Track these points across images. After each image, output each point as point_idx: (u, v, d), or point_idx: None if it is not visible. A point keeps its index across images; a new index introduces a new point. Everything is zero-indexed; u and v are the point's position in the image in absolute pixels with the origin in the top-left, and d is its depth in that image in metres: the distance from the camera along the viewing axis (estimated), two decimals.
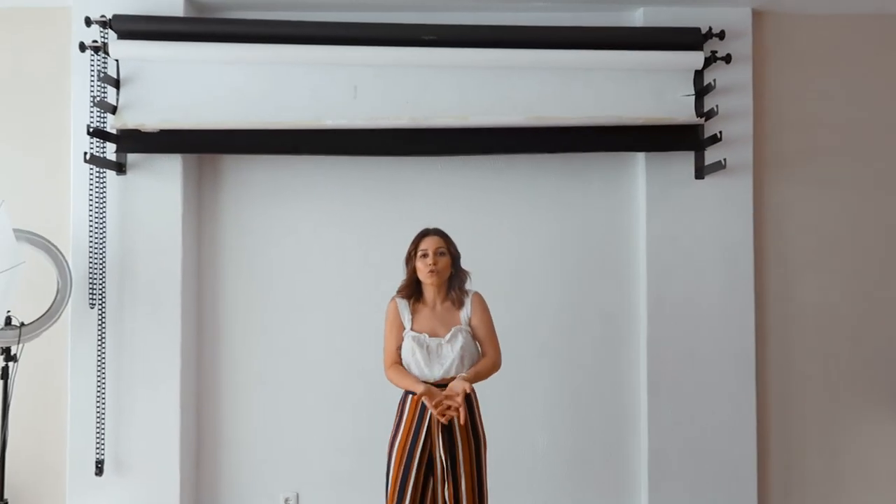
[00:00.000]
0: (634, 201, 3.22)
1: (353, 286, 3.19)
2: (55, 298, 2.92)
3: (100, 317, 2.99)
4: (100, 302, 2.99)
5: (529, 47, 3.00)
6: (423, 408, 2.44)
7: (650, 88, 3.04)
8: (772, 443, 3.21)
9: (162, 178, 3.03)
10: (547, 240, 3.22)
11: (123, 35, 2.96)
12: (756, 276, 3.17)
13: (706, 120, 3.05)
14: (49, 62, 3.11)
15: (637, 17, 3.21)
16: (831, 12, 3.26)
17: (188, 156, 3.09)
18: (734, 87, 3.13)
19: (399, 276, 2.65)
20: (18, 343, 2.83)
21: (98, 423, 2.98)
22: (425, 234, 2.60)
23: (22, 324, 2.85)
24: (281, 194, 3.20)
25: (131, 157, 3.03)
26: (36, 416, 3.09)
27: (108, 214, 3.00)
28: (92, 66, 2.95)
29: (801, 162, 3.25)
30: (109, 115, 2.96)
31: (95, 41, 2.93)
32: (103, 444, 2.98)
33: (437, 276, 2.54)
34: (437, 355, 2.49)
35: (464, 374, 2.44)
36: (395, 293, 2.62)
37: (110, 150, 3.00)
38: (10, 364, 2.84)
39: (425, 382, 2.45)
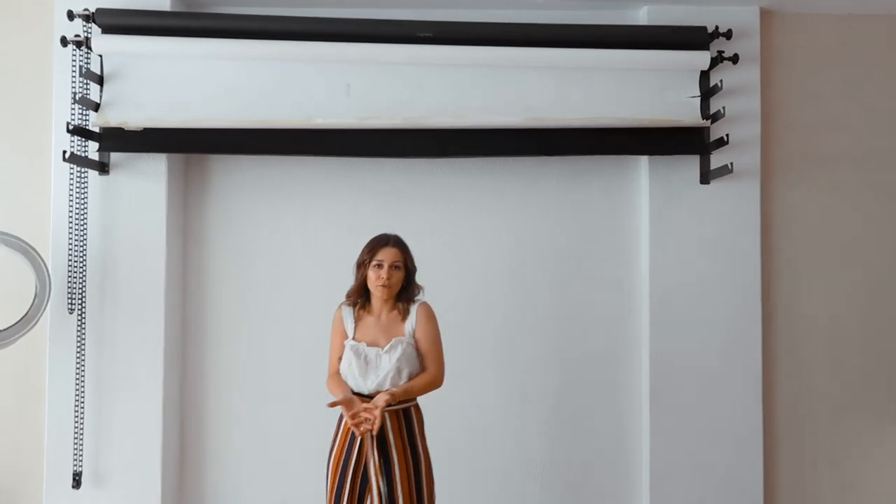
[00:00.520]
0: (637, 207, 3.13)
1: (344, 292, 3.07)
2: (32, 302, 2.81)
3: (79, 322, 2.89)
4: (79, 307, 2.89)
5: (528, 45, 2.91)
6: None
7: (654, 89, 2.95)
8: (779, 459, 3.12)
9: (146, 178, 2.94)
10: (546, 246, 3.13)
11: (108, 29, 2.87)
12: (763, 284, 3.08)
13: (712, 122, 2.96)
14: (31, 58, 3.02)
15: (641, 16, 3.13)
16: (842, 12, 3.18)
17: (173, 155, 2.99)
18: (741, 88, 3.04)
19: None
20: None
21: (76, 433, 2.88)
22: (384, 242, 2.47)
23: None
24: (270, 196, 3.11)
25: (114, 157, 2.94)
26: (11, 426, 2.99)
27: (89, 216, 2.91)
28: (74, 61, 2.86)
29: (810, 166, 3.16)
30: (92, 113, 2.86)
31: (78, 35, 2.83)
32: (81, 455, 2.88)
33: (388, 290, 2.44)
34: (374, 366, 2.40)
35: (392, 389, 2.34)
36: (344, 298, 2.54)
37: (92, 150, 2.90)
38: None
39: (359, 394, 2.37)
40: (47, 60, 2.98)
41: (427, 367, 2.45)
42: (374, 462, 2.34)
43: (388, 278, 2.43)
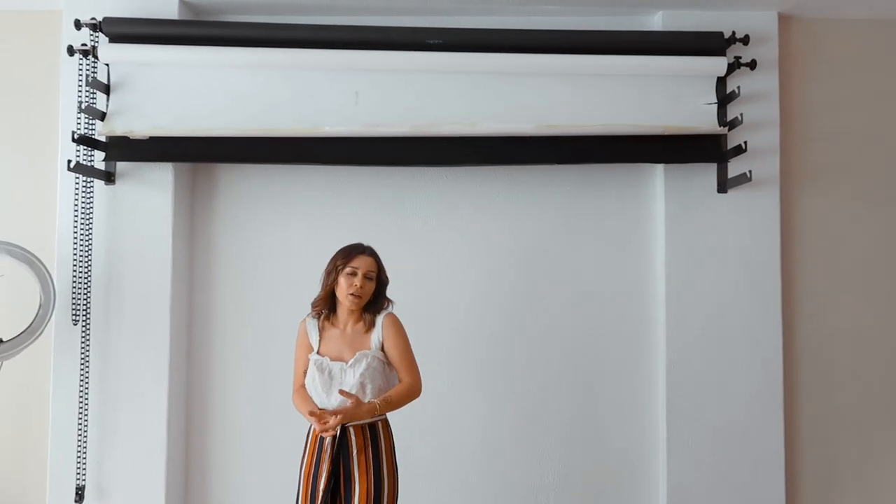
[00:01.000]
0: (653, 216, 3.07)
1: None
2: (37, 314, 2.78)
3: (83, 334, 2.85)
4: (83, 318, 2.85)
5: (539, 52, 2.86)
6: (322, 439, 2.32)
7: (669, 96, 2.89)
8: (802, 478, 3.02)
9: (152, 188, 2.90)
10: (559, 257, 3.07)
11: (115, 38, 2.85)
12: (783, 297, 3.00)
13: (729, 130, 2.90)
14: (38, 67, 3.01)
15: (655, 21, 3.07)
16: (862, 16, 3.11)
17: (180, 165, 2.96)
18: (759, 94, 2.97)
19: (398, 293, 2.50)
20: None
21: (80, 446, 2.83)
22: (360, 251, 2.41)
23: (0, 340, 2.71)
24: (278, 205, 3.07)
25: (120, 167, 2.91)
26: (14, 438, 2.95)
27: (94, 226, 2.87)
28: (81, 70, 2.84)
29: (830, 175, 3.08)
30: (98, 122, 2.84)
31: (85, 45, 2.82)
32: (85, 468, 2.83)
33: (358, 301, 2.38)
34: (338, 382, 2.33)
35: (374, 400, 2.29)
36: (310, 308, 2.48)
37: (98, 159, 2.87)
38: None
39: (322, 410, 2.31)
40: (54, 70, 2.96)
41: (402, 377, 2.38)
42: (326, 470, 2.28)
43: (361, 287, 2.36)
